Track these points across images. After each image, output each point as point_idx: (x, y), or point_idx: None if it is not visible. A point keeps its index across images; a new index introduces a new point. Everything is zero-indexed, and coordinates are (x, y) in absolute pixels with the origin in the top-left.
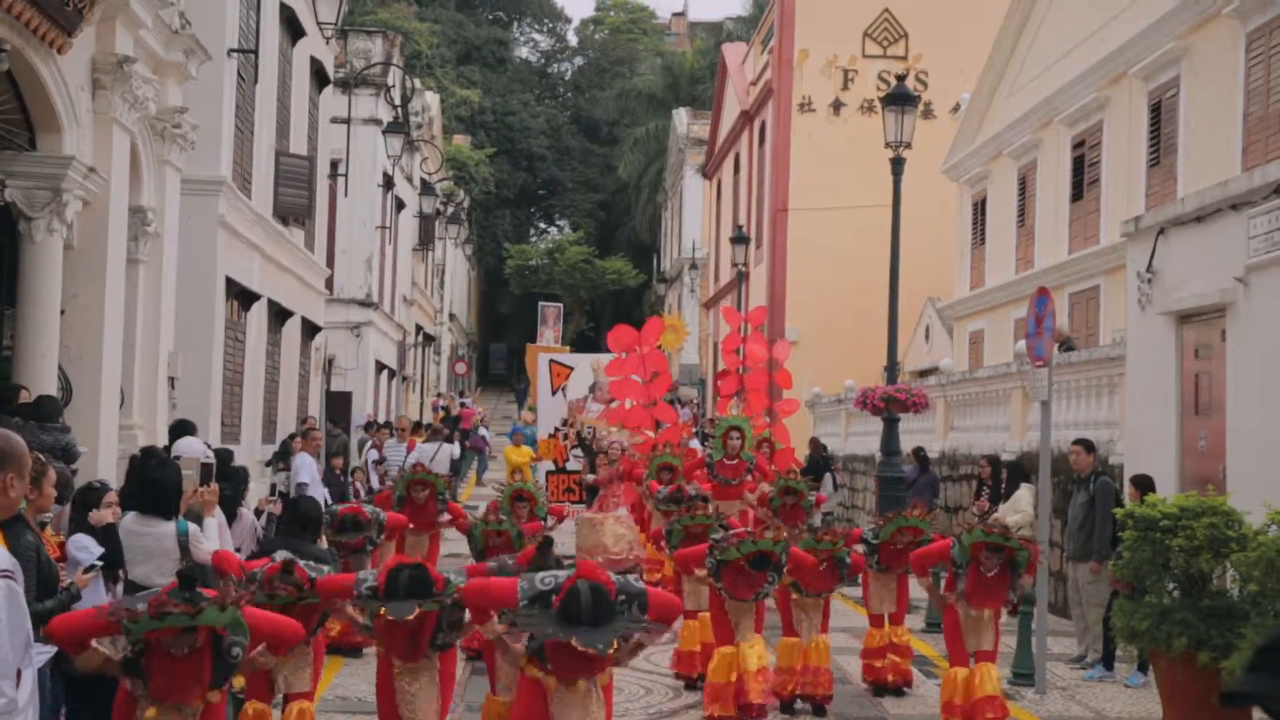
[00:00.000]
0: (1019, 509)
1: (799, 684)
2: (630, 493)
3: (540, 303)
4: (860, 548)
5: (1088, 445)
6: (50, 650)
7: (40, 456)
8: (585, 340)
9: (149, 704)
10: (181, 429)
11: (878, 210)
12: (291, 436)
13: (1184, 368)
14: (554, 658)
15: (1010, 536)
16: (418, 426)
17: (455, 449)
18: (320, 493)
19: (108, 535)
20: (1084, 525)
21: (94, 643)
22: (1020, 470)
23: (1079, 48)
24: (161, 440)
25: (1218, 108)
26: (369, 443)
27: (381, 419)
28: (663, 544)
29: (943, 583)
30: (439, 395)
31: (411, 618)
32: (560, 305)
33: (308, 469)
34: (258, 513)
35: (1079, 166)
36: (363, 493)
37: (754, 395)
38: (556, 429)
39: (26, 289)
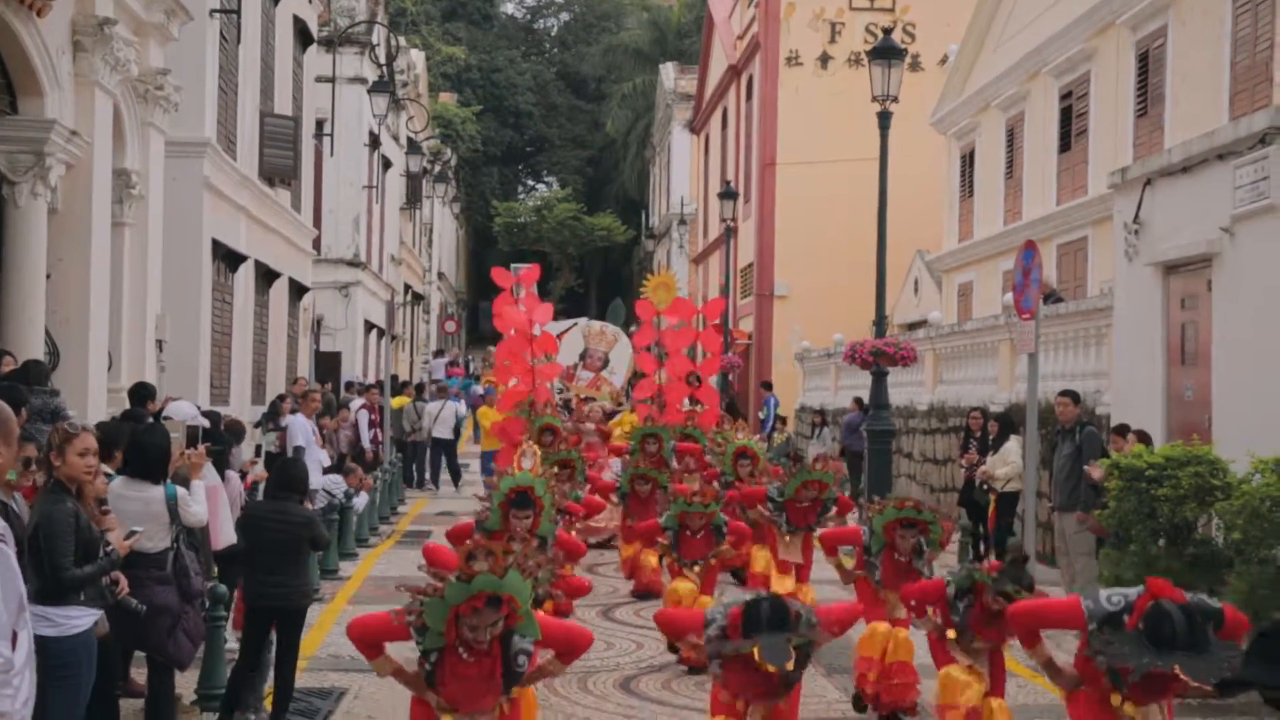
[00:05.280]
0: (1008, 460)
1: None
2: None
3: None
4: (766, 506)
5: (1074, 396)
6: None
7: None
8: (575, 297)
9: (444, 713)
10: (141, 391)
11: (866, 164)
12: (280, 398)
13: (1170, 318)
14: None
15: (922, 510)
16: (405, 386)
17: (461, 406)
18: (317, 455)
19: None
20: (1070, 476)
21: (388, 650)
22: (1009, 422)
23: None
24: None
25: (1205, 57)
26: (359, 403)
27: (370, 379)
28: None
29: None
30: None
31: (790, 665)
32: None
33: (303, 431)
34: (242, 475)
35: (1067, 118)
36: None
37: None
38: None
39: (11, 254)
